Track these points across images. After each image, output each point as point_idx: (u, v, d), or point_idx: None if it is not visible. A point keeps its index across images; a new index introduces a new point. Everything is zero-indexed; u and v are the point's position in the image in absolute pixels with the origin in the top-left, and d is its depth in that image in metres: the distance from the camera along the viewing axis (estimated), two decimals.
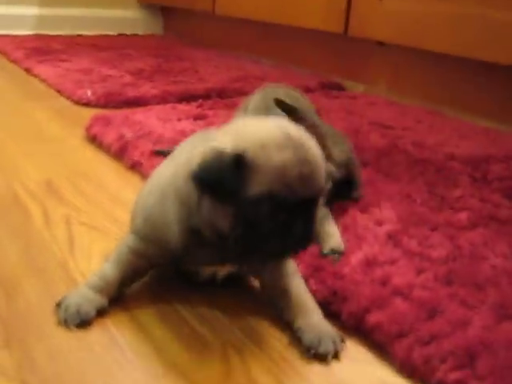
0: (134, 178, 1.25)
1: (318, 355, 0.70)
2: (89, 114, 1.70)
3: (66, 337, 0.72)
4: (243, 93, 1.92)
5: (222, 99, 1.91)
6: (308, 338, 0.71)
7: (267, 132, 0.67)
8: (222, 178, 0.65)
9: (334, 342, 0.71)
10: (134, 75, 2.23)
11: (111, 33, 3.55)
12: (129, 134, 1.39)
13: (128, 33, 3.61)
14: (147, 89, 1.97)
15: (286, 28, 2.47)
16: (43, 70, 2.30)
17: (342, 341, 0.72)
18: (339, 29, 2.14)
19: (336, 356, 0.71)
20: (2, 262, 0.89)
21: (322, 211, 0.90)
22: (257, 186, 0.65)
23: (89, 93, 1.87)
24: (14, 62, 2.56)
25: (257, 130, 0.68)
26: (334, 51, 2.37)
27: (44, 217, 1.05)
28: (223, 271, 0.79)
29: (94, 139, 1.47)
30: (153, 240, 0.76)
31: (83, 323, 0.74)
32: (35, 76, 2.29)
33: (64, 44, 2.96)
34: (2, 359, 0.68)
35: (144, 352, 0.71)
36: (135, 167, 1.28)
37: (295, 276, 0.77)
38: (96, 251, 0.93)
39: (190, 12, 3.21)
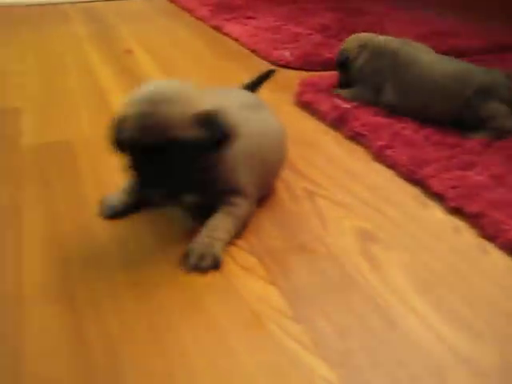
0: (357, 149, 1.28)
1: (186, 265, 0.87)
2: (289, 75, 1.74)
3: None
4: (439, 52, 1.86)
5: None
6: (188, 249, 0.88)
7: (140, 91, 0.89)
8: (109, 133, 0.91)
9: (202, 259, 0.86)
10: (322, 33, 2.23)
11: None
12: (345, 104, 1.41)
13: None
14: None
15: None
16: (232, 28, 2.37)
17: (216, 263, 0.86)
18: None
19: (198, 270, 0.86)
20: (265, 236, 0.96)
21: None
22: (121, 134, 0.88)
23: (287, 54, 1.91)
24: (201, 19, 2.66)
25: (139, 90, 0.89)
26: None
27: (286, 190, 1.11)
28: (187, 201, 0.96)
29: (306, 106, 1.51)
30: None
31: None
32: (225, 34, 2.36)
33: None
34: (293, 330, 0.75)
35: None
36: (356, 138, 1.30)
37: (221, 213, 0.93)
38: (347, 227, 0.98)
39: None
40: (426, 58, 1.37)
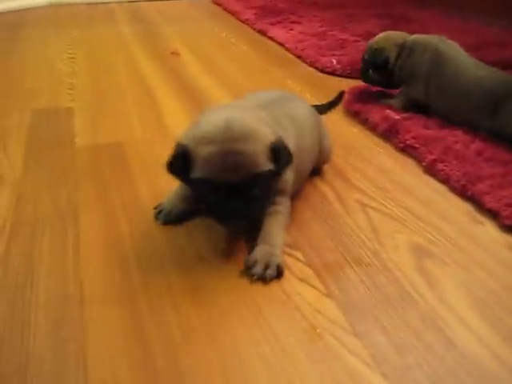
0: (408, 162, 1.28)
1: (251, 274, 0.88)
2: (336, 83, 1.74)
3: None
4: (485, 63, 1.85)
5: None
6: (248, 258, 0.90)
7: (208, 126, 0.88)
8: (173, 165, 0.91)
9: (267, 268, 0.88)
10: (367, 40, 2.22)
11: None
12: (395, 115, 1.41)
13: None
14: None
15: None
16: (277, 32, 2.38)
17: (279, 272, 0.88)
18: None
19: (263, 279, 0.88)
20: (321, 248, 0.97)
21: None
22: (196, 172, 0.88)
23: (334, 61, 1.92)
24: (246, 22, 2.67)
25: (205, 125, 0.89)
26: None
27: (338, 200, 1.12)
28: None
29: (355, 115, 1.51)
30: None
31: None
32: (270, 39, 2.38)
33: (286, 2, 3.02)
34: (352, 344, 0.76)
35: None
36: (407, 150, 1.30)
37: (272, 216, 0.96)
38: (401, 242, 0.98)
39: None
40: (463, 58, 1.37)
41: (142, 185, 1.18)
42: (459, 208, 1.10)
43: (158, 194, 1.11)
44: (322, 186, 1.17)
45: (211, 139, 0.87)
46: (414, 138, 1.31)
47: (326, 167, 1.23)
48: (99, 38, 2.46)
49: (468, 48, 2.00)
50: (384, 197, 1.13)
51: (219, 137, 0.87)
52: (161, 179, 1.15)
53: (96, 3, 3.22)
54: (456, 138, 1.30)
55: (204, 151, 0.87)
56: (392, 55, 1.51)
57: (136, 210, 1.08)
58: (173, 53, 2.16)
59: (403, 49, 1.49)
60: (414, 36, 1.52)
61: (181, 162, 0.89)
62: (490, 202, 1.07)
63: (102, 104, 1.65)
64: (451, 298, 0.85)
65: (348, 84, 1.73)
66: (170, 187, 1.07)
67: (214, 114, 0.92)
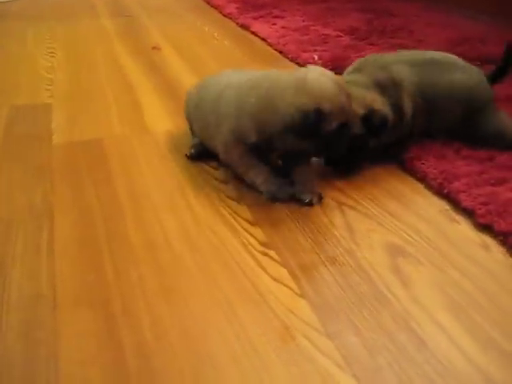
0: (385, 160, 1.28)
1: (300, 201, 1.09)
2: None
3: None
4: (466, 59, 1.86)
5: None
6: (296, 189, 1.10)
7: (326, 87, 1.05)
8: (311, 128, 1.03)
9: (312, 196, 1.09)
10: (350, 35, 2.22)
11: None
12: None
13: None
14: (370, 53, 1.96)
15: None
16: (260, 27, 2.38)
17: (320, 197, 1.10)
18: None
19: (311, 204, 1.08)
20: (297, 248, 0.97)
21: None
22: (330, 125, 1.04)
23: (315, 57, 1.91)
24: (228, 17, 2.66)
25: (320, 87, 1.05)
26: None
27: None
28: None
29: None
30: None
31: None
32: (253, 34, 2.36)
33: None
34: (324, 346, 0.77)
35: None
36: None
37: (305, 165, 1.14)
38: (376, 241, 0.98)
39: None
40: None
41: (119, 183, 1.17)
42: (436, 206, 1.10)
43: (135, 193, 1.11)
44: None
45: (335, 95, 1.05)
46: None
47: None
48: (80, 31, 2.45)
49: (450, 43, 2.02)
50: (361, 195, 1.13)
51: (339, 92, 1.06)
52: (138, 177, 1.15)
53: None
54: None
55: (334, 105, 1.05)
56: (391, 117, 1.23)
57: (112, 210, 1.07)
58: (154, 47, 2.14)
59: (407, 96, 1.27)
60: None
61: (316, 125, 1.04)
62: (465, 200, 1.08)
63: (81, 100, 1.64)
64: (425, 298, 0.85)
65: None
66: (148, 186, 1.06)
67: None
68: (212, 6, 2.92)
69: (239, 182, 1.17)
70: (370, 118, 1.16)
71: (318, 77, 1.07)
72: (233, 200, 1.11)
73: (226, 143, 1.11)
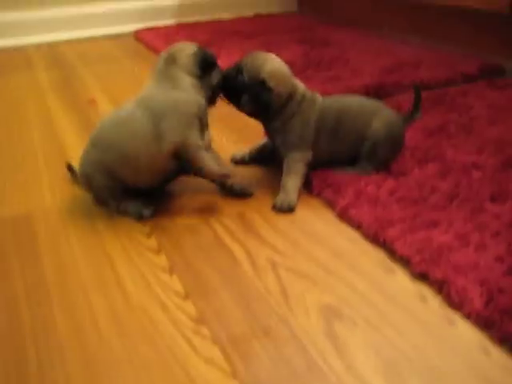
0: (320, 208, 1.26)
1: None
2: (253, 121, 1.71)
3: None
4: (401, 88, 1.89)
5: (381, 99, 1.85)
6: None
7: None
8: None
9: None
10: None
11: (248, 13, 3.56)
12: None
13: (263, 12, 3.61)
14: None
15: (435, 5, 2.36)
16: None
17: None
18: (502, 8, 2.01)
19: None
20: (228, 319, 0.94)
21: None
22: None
23: None
24: None
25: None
26: (494, 30, 2.23)
27: (249, 260, 1.09)
28: None
29: None
30: None
31: None
32: None
33: (208, 33, 3.01)
34: None
35: None
36: (320, 196, 1.29)
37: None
38: (310, 304, 0.96)
39: None
40: None
41: (47, 263, 1.13)
42: (371, 257, 1.08)
43: (64, 271, 1.07)
44: (232, 244, 1.14)
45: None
46: (327, 183, 1.29)
47: (237, 221, 1.21)
48: (12, 86, 2.39)
49: (385, 71, 2.03)
50: (295, 251, 1.11)
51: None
52: (67, 253, 1.11)
53: (11, 48, 3.13)
54: (368, 178, 1.29)
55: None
56: None
57: (39, 295, 1.03)
58: (89, 101, 2.10)
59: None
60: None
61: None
62: (401, 248, 1.07)
63: (9, 168, 1.58)
64: (359, 363, 0.83)
65: None
66: (77, 262, 1.03)
67: None
68: (151, 50, 2.89)
69: (172, 249, 1.13)
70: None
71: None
72: (164, 272, 1.07)
73: None
